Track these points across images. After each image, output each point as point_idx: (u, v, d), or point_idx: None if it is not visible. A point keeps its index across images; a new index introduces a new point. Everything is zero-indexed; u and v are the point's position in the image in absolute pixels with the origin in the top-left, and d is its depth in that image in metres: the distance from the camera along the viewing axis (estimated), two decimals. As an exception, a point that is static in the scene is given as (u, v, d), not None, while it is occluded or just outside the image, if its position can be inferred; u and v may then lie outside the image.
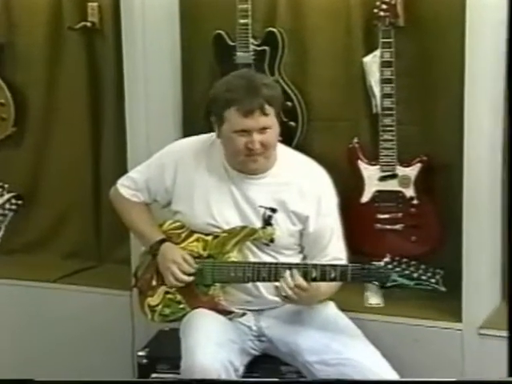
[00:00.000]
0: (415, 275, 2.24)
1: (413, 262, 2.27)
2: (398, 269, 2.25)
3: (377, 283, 2.29)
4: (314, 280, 2.31)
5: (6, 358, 3.24)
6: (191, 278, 2.45)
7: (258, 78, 2.44)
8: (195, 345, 2.32)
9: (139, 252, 2.71)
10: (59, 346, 3.24)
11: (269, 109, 2.36)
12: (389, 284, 2.26)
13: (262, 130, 2.36)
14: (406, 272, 2.25)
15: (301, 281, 2.29)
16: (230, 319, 2.46)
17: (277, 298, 2.46)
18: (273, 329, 2.48)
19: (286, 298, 2.34)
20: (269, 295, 2.48)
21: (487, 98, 2.74)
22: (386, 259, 2.27)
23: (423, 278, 2.24)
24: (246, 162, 2.41)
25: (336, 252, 2.42)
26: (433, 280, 2.24)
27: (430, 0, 2.89)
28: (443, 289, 2.25)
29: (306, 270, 2.32)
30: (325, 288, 2.37)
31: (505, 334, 2.71)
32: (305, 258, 2.50)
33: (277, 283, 2.35)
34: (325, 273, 2.31)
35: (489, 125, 2.77)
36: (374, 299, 2.91)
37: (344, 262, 2.46)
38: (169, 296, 2.51)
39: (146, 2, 3.02)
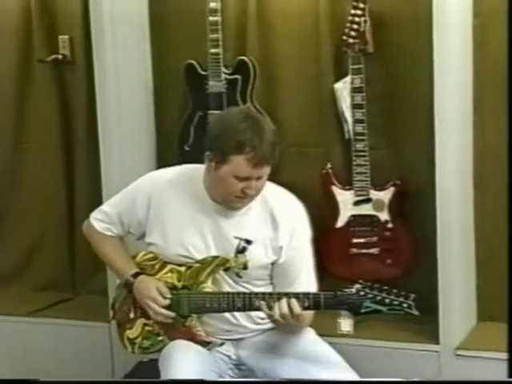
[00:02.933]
0: (387, 301, 2.25)
1: (384, 287, 2.28)
2: (370, 295, 2.25)
3: (350, 311, 2.30)
4: (290, 309, 2.30)
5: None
6: (171, 314, 2.43)
7: (261, 119, 2.39)
8: (174, 376, 2.30)
9: (115, 282, 2.70)
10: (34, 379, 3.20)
11: (273, 160, 2.35)
12: (362, 311, 2.26)
13: (261, 177, 2.36)
14: (379, 298, 2.25)
15: (298, 309, 2.29)
16: (209, 349, 2.45)
17: (255, 326, 2.47)
18: (252, 357, 2.47)
19: (276, 322, 2.34)
20: (247, 323, 2.48)
21: (457, 122, 2.79)
22: (358, 286, 2.28)
23: (395, 303, 2.25)
24: (234, 203, 2.40)
25: (305, 286, 2.40)
26: (405, 305, 2.24)
27: (398, 26, 2.92)
28: (416, 313, 2.25)
29: (279, 298, 2.31)
30: (306, 315, 2.37)
31: (481, 354, 2.75)
32: (274, 289, 2.49)
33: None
34: (298, 301, 2.30)
35: (459, 147, 2.81)
36: (345, 326, 2.92)
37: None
38: (147, 328, 2.50)
39: (117, 33, 3.03)
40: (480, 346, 2.81)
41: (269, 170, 2.37)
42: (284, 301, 2.29)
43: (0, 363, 3.28)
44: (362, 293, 2.26)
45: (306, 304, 2.30)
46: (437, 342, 2.82)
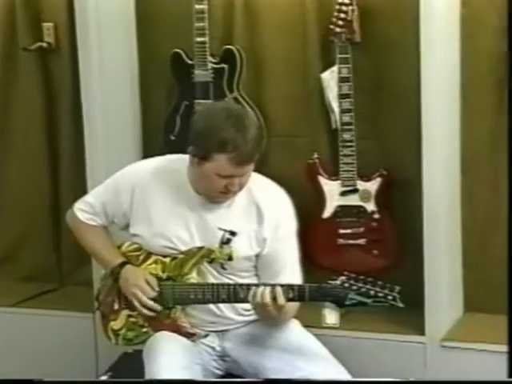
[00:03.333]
0: (372, 293, 2.24)
1: (369, 279, 2.26)
2: (354, 287, 2.24)
3: (334, 303, 2.29)
4: (274, 300, 2.29)
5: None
6: (157, 307, 2.41)
7: (245, 115, 2.34)
8: (159, 369, 2.29)
9: (101, 273, 2.68)
10: (20, 371, 3.18)
11: (256, 158, 2.33)
12: (347, 303, 2.25)
13: (244, 175, 2.34)
14: (363, 290, 2.24)
15: (283, 301, 2.27)
16: (194, 341, 2.44)
17: (239, 318, 2.46)
18: (237, 349, 2.46)
19: (259, 314, 2.33)
20: (232, 315, 2.47)
21: (443, 111, 2.77)
22: (342, 278, 2.26)
23: (380, 295, 2.24)
24: (218, 197, 2.39)
25: (290, 278, 2.39)
26: (390, 297, 2.23)
27: (385, 16, 2.90)
28: (401, 305, 2.24)
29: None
30: (290, 307, 2.36)
31: (467, 345, 2.75)
32: (258, 280, 2.47)
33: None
34: (282, 293, 2.29)
35: (446, 137, 2.80)
36: (331, 319, 2.91)
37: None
38: (132, 319, 2.48)
39: (102, 21, 3.00)
40: (466, 337, 2.80)
41: (252, 167, 2.36)
42: (267, 290, 2.27)
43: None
44: (346, 285, 2.25)
45: (291, 295, 2.29)
46: (423, 334, 2.81)
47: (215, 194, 2.38)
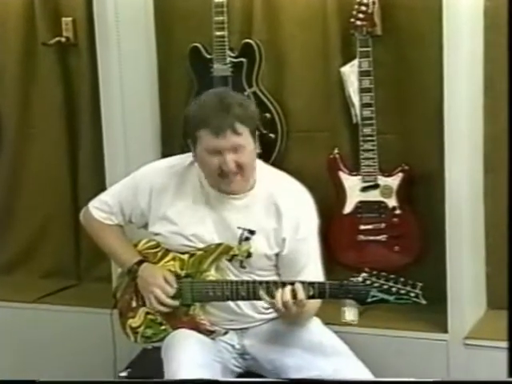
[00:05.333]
0: (394, 290, 2.21)
1: (391, 276, 2.23)
2: (376, 284, 2.21)
3: (356, 300, 2.26)
4: (294, 297, 2.26)
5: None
6: (176, 303, 2.40)
7: (231, 96, 2.36)
8: (178, 367, 2.27)
9: (119, 269, 2.66)
10: (38, 368, 3.18)
11: (241, 127, 2.29)
12: (369, 300, 2.22)
13: (236, 149, 2.31)
14: (385, 287, 2.21)
15: (303, 296, 2.24)
16: (213, 339, 2.42)
17: (259, 316, 2.44)
18: (257, 347, 2.44)
19: (279, 311, 2.30)
20: (251, 312, 2.44)
21: (466, 105, 2.73)
22: (364, 274, 2.23)
23: (402, 292, 2.21)
24: (220, 184, 2.36)
25: (312, 277, 2.35)
26: (412, 294, 2.20)
27: (407, 8, 2.87)
28: (423, 302, 2.21)
29: (284, 287, 2.26)
30: (310, 306, 2.33)
31: (490, 343, 2.71)
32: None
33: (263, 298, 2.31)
34: (303, 290, 2.26)
35: (469, 132, 2.76)
36: (350, 315, 2.88)
37: None
38: (150, 317, 2.46)
39: (121, 16, 2.99)
40: (489, 335, 2.76)
41: (242, 142, 2.30)
42: (288, 287, 2.25)
43: (4, 350, 3.28)
44: (368, 282, 2.22)
45: (311, 293, 2.26)
46: (445, 331, 2.77)
47: (216, 179, 2.34)
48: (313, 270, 2.40)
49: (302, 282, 2.27)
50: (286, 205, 2.39)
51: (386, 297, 2.21)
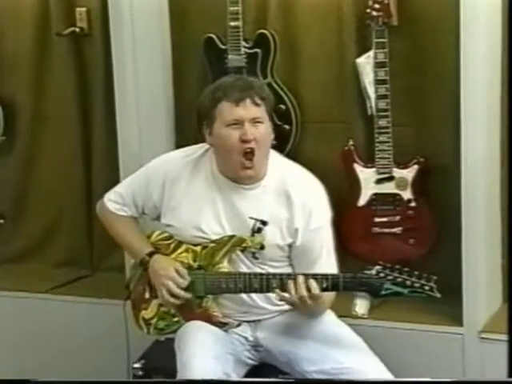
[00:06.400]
0: (408, 283, 2.19)
1: (405, 269, 2.22)
2: (390, 277, 2.20)
3: (369, 293, 2.25)
4: (308, 290, 2.25)
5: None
6: (188, 295, 2.39)
7: (248, 78, 2.45)
8: (191, 358, 2.27)
9: (131, 260, 2.66)
10: (52, 358, 3.19)
11: (259, 101, 2.34)
12: (382, 292, 2.21)
13: (254, 122, 2.33)
14: (399, 280, 2.19)
15: (316, 288, 2.23)
16: (226, 331, 2.41)
17: (272, 307, 2.43)
18: (270, 339, 2.43)
19: (293, 305, 2.29)
20: (264, 304, 2.44)
21: (483, 96, 2.70)
22: (378, 267, 2.22)
23: (416, 285, 2.19)
24: (241, 163, 2.34)
25: (325, 268, 2.35)
26: (427, 287, 2.19)
27: (423, -1, 2.85)
28: (438, 295, 2.20)
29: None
30: (325, 298, 2.32)
31: (505, 337, 2.68)
32: (293, 270, 2.43)
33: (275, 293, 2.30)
34: (316, 283, 2.25)
35: (486, 124, 2.73)
36: (360, 309, 2.86)
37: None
38: (163, 309, 2.46)
39: (135, 6, 2.97)
40: (505, 328, 2.72)
41: (260, 115, 2.33)
42: (301, 281, 2.23)
43: (17, 340, 3.28)
44: (382, 274, 2.20)
45: (325, 285, 2.25)
46: (461, 324, 2.75)
47: (236, 157, 2.32)
48: (326, 261, 2.39)
49: (316, 275, 2.26)
50: (298, 195, 2.38)
51: (399, 290, 2.20)
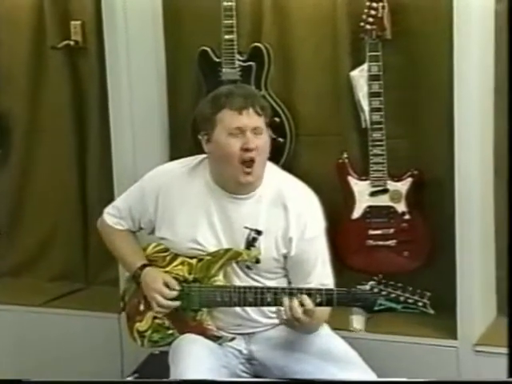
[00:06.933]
0: (402, 298, 2.19)
1: (399, 285, 2.22)
2: (384, 292, 2.20)
3: (363, 308, 2.25)
4: (302, 305, 2.25)
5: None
6: (175, 303, 2.39)
7: (248, 86, 2.47)
8: (185, 372, 2.26)
9: (127, 273, 2.66)
10: (47, 370, 3.17)
11: (261, 111, 2.35)
12: (376, 308, 2.21)
13: (256, 132, 2.33)
14: (393, 295, 2.19)
15: (311, 305, 2.23)
16: (220, 344, 2.40)
17: (266, 320, 2.42)
18: (264, 352, 2.42)
19: (287, 323, 2.29)
20: (258, 317, 2.43)
21: (477, 109, 2.71)
22: (372, 282, 2.22)
23: (410, 301, 2.19)
24: (240, 173, 2.33)
25: (321, 278, 2.36)
26: (420, 303, 2.19)
27: (416, 12, 2.85)
28: (431, 311, 2.20)
29: (291, 295, 2.26)
30: (319, 314, 2.31)
31: (501, 350, 2.68)
32: (289, 283, 2.43)
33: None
34: (310, 297, 2.25)
35: (479, 136, 2.74)
36: (357, 324, 2.86)
37: (331, 286, 2.40)
38: (157, 321, 2.45)
39: (130, 19, 2.98)
40: (500, 341, 2.72)
41: (262, 125, 2.33)
42: (295, 301, 2.23)
43: (12, 353, 3.27)
44: (375, 290, 2.20)
45: (319, 300, 2.25)
46: (455, 337, 2.75)
47: (236, 166, 2.32)
48: (321, 271, 2.39)
49: (310, 290, 2.26)
50: (294, 205, 2.38)
51: (393, 305, 2.20)
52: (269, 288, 2.32)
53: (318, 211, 2.42)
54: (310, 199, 2.43)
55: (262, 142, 2.34)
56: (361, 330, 2.85)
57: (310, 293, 2.25)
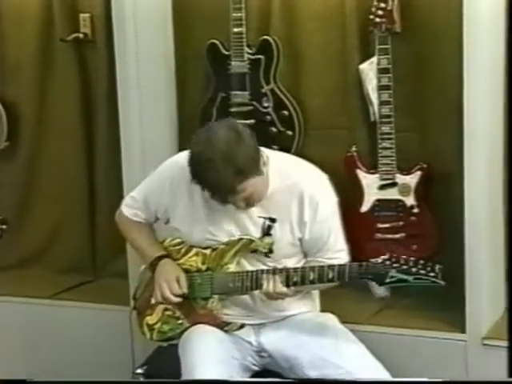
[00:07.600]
0: (414, 270, 2.20)
1: (411, 259, 2.23)
2: (395, 264, 2.21)
3: (375, 281, 2.26)
4: (312, 282, 2.29)
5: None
6: (176, 299, 2.42)
7: (234, 141, 2.24)
8: (195, 362, 2.28)
9: (136, 265, 2.67)
10: (55, 363, 3.19)
11: (245, 181, 2.25)
12: (387, 280, 2.22)
13: (245, 195, 2.29)
14: (404, 267, 2.20)
15: (281, 288, 2.29)
16: (229, 330, 2.42)
17: (275, 313, 2.44)
18: (273, 344, 2.43)
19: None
20: (266, 309, 2.44)
21: (486, 102, 2.69)
22: (384, 256, 2.23)
23: (422, 272, 2.20)
24: (239, 205, 2.35)
25: (337, 245, 2.41)
26: (431, 274, 2.19)
27: (426, 5, 2.84)
28: (442, 282, 2.20)
29: (303, 273, 2.29)
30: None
31: (508, 344, 2.67)
32: (306, 255, 2.46)
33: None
34: (322, 274, 2.27)
35: (488, 130, 2.73)
36: (380, 290, 2.88)
37: (345, 252, 2.44)
38: (167, 313, 2.47)
39: (139, 12, 2.98)
40: (508, 335, 2.73)
41: (249, 190, 2.27)
42: (271, 282, 2.29)
43: (21, 346, 3.28)
44: (387, 262, 2.21)
45: (331, 275, 2.26)
46: (463, 331, 2.74)
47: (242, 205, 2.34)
48: (337, 238, 2.42)
49: (322, 267, 2.28)
50: (304, 189, 2.38)
51: (404, 277, 2.20)
52: (281, 269, 2.33)
53: (328, 190, 2.43)
54: (320, 180, 2.44)
55: (254, 194, 2.30)
56: (386, 295, 2.86)
57: (321, 269, 2.27)
